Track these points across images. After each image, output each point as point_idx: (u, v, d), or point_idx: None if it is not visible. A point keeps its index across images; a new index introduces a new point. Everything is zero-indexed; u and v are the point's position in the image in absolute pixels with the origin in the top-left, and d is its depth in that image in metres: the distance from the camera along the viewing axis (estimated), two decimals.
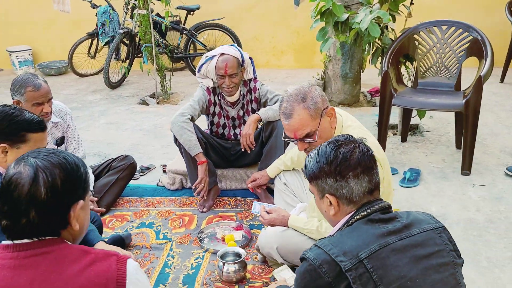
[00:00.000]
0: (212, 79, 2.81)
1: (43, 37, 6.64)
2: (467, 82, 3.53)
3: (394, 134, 3.90)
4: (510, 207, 2.72)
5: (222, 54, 2.71)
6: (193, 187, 2.70)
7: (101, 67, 6.24)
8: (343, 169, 1.29)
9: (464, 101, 3.02)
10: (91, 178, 2.74)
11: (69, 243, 1.16)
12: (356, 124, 1.99)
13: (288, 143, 2.81)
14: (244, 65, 2.80)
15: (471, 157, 3.11)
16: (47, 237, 1.13)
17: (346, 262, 1.18)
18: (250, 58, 2.86)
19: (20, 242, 1.11)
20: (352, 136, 1.38)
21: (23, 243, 1.11)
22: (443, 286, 1.22)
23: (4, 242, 1.13)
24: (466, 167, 3.12)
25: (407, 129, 3.75)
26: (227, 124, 2.94)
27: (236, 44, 2.86)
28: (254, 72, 2.92)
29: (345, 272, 1.16)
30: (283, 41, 6.20)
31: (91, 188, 2.66)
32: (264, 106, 2.88)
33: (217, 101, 2.88)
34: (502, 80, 5.13)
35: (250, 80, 2.90)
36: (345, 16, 3.39)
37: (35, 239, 1.12)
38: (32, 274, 1.07)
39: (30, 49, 6.59)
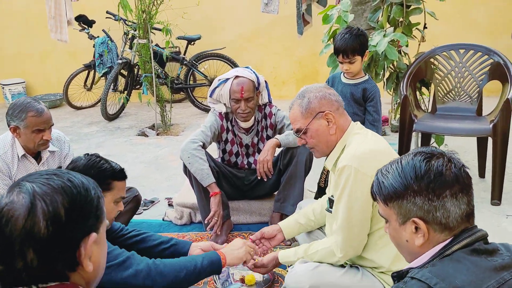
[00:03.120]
0: (225, 104, 2.61)
1: (37, 69, 6.47)
2: (487, 108, 3.37)
3: None
4: None
5: (237, 76, 2.52)
6: (206, 221, 2.44)
7: (97, 100, 6.05)
8: (438, 186, 1.05)
9: (491, 125, 2.84)
10: None
11: None
12: (365, 132, 1.83)
13: (309, 171, 2.60)
14: (260, 88, 2.61)
15: (501, 186, 2.91)
16: (52, 284, 0.87)
17: None
18: (265, 81, 2.67)
19: None
20: (437, 148, 1.16)
21: None
22: None
23: None
24: (496, 196, 2.90)
25: None
26: (240, 152, 2.72)
27: (250, 67, 2.67)
28: (269, 97, 2.73)
29: None
30: (285, 71, 6.09)
31: None
32: (280, 133, 2.67)
33: (230, 128, 2.66)
34: None
35: (265, 105, 2.71)
36: None
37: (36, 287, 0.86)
38: None
39: (24, 82, 6.40)
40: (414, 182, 1.06)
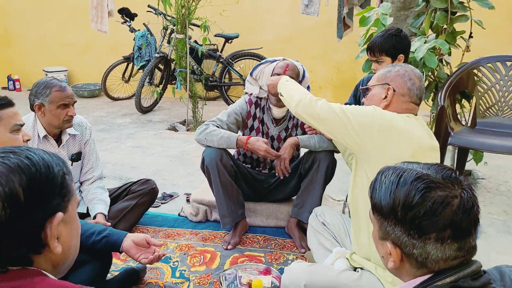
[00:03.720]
0: (261, 87, 2.54)
1: (79, 59, 6.64)
2: None
3: None
4: None
5: (285, 59, 2.50)
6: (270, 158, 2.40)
7: (134, 92, 6.12)
8: (424, 226, 0.90)
9: None
10: (106, 201, 2.46)
11: (49, 275, 0.85)
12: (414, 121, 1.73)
13: (331, 178, 2.47)
14: (302, 82, 2.53)
15: None
16: (13, 268, 0.82)
17: None
18: (308, 86, 2.61)
19: None
20: (456, 174, 0.95)
21: None
22: None
23: None
24: None
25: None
26: None
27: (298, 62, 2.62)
28: None
29: None
30: (322, 76, 5.96)
31: (105, 212, 2.37)
32: None
33: (259, 115, 2.57)
34: None
35: None
36: None
37: None
38: None
39: (66, 70, 6.59)
40: (401, 209, 0.92)
